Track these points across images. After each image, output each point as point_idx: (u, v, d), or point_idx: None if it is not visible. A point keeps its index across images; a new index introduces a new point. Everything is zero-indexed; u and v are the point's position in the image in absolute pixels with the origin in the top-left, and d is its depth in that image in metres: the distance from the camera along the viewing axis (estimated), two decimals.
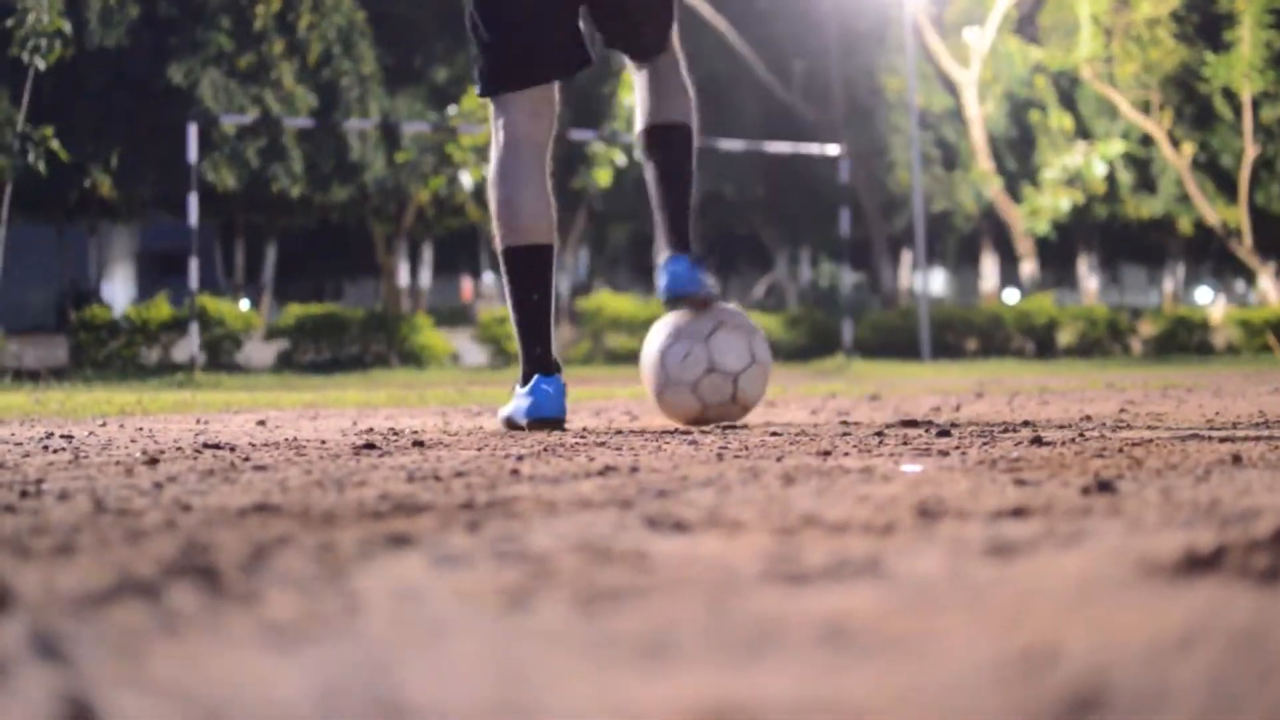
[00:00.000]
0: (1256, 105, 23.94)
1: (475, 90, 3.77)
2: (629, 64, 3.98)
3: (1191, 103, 25.25)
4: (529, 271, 3.64)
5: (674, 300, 3.71)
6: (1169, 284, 35.06)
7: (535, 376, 3.57)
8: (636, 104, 3.93)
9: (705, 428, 3.58)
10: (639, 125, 3.89)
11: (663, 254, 3.76)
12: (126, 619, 0.93)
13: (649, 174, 3.87)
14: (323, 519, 1.45)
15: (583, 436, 3.11)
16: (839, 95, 25.14)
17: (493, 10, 3.67)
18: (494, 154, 3.66)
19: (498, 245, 3.70)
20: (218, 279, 32.98)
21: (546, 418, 3.52)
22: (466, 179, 16.93)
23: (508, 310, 3.75)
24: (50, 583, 1.06)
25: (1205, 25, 24.50)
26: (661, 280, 3.72)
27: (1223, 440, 2.59)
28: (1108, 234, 31.07)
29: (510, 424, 3.63)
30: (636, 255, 38.77)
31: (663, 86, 3.88)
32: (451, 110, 16.37)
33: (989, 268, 27.33)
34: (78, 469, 2.22)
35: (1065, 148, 24.17)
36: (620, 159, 16.88)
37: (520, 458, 2.38)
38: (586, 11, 3.75)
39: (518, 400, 3.60)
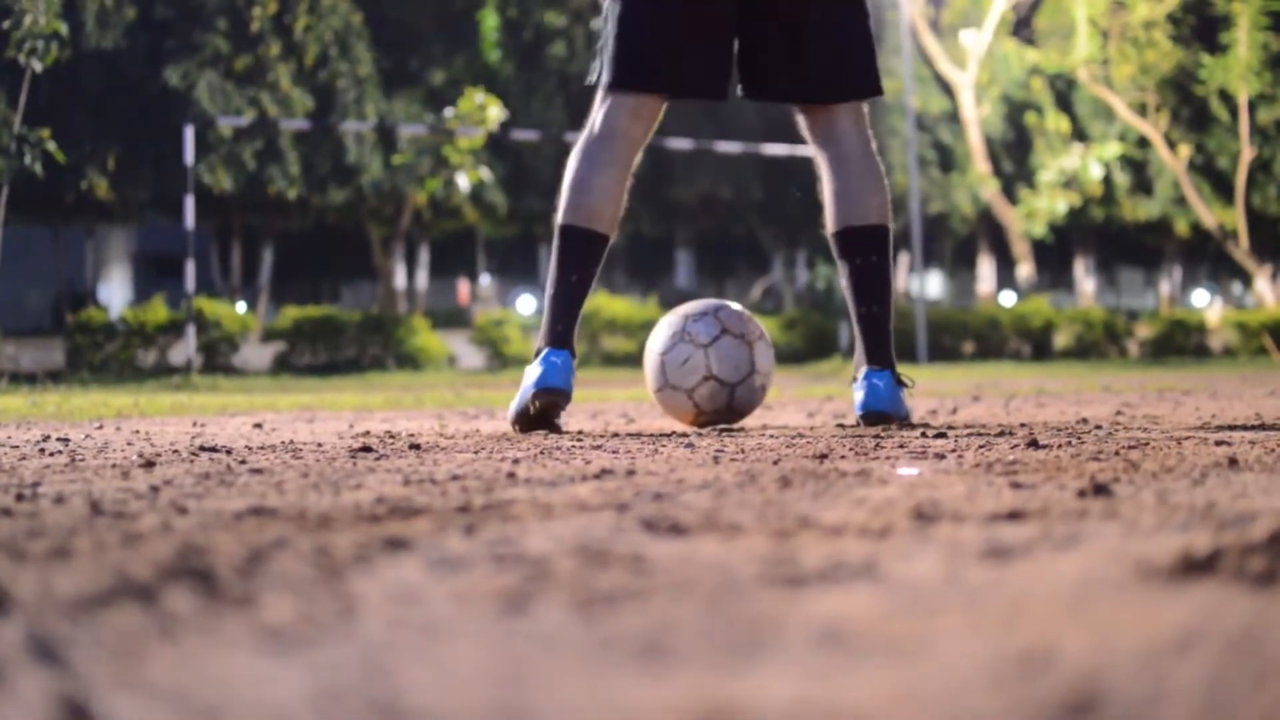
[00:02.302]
0: (1253, 107, 23.96)
1: (591, 74, 3.63)
2: (810, 140, 3.70)
3: (1188, 105, 25.28)
4: (578, 254, 3.58)
5: (870, 419, 3.54)
6: (1166, 286, 35.08)
7: (546, 349, 3.52)
8: (825, 193, 3.66)
9: (702, 430, 3.58)
10: (830, 224, 3.66)
11: (862, 368, 3.61)
12: (123, 622, 0.93)
13: (843, 279, 3.67)
14: (319, 522, 1.45)
15: (579, 439, 3.11)
16: None
17: (644, 6, 3.56)
18: (583, 137, 3.58)
19: (557, 219, 3.60)
20: (214, 281, 32.97)
21: (552, 387, 3.43)
22: (463, 181, 16.93)
23: (546, 285, 3.68)
24: (47, 586, 1.06)
25: (1201, 27, 24.53)
26: (859, 394, 3.57)
27: (1219, 443, 2.59)
28: (1104, 236, 31.10)
29: (518, 419, 3.50)
30: (633, 258, 38.79)
31: (855, 177, 3.63)
32: (448, 112, 16.36)
33: (985, 270, 27.35)
34: (74, 472, 2.22)
35: (1062, 150, 24.20)
36: None
37: (517, 461, 2.38)
38: (748, 44, 3.61)
39: (527, 375, 3.52)
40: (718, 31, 3.58)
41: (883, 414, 3.53)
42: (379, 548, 1.25)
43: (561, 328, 3.54)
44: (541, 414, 3.46)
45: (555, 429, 3.48)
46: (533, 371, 3.48)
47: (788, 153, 18.99)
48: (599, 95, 3.58)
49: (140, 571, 1.12)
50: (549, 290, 3.61)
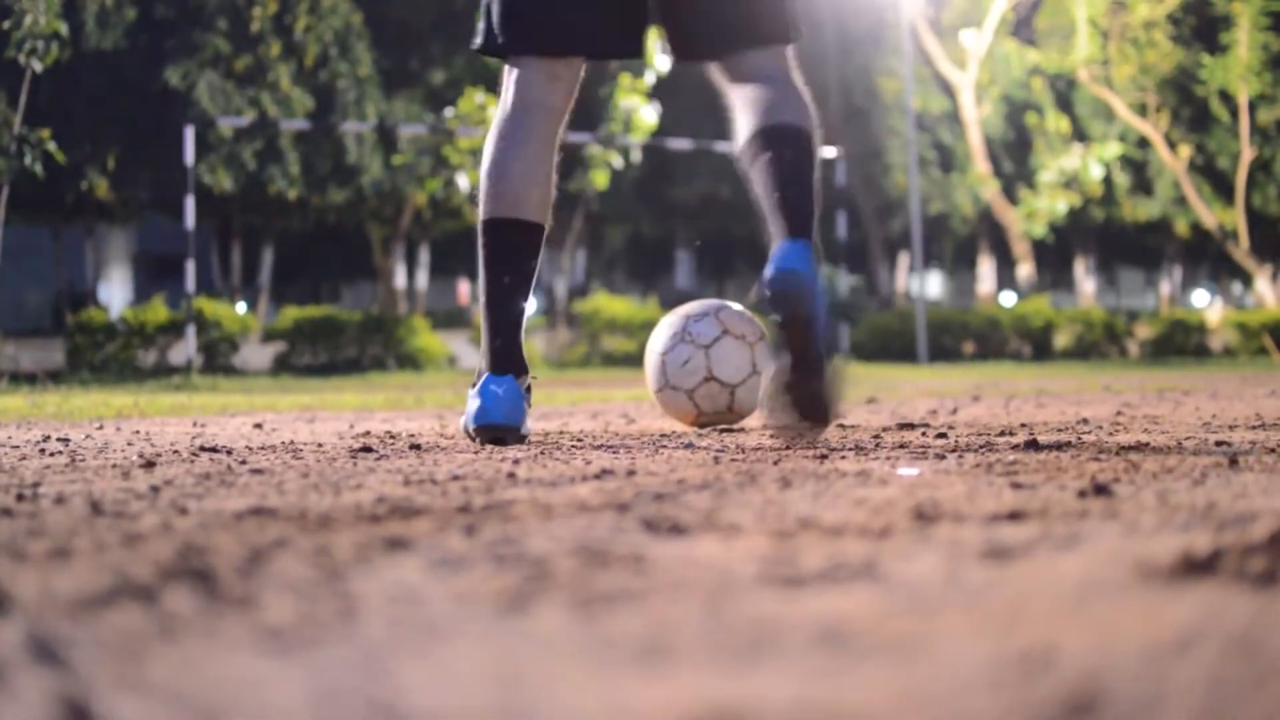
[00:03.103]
0: (1253, 107, 23.96)
1: (477, 37, 3.17)
2: (723, 79, 3.16)
3: (1188, 105, 25.29)
4: (506, 249, 3.11)
5: (778, 283, 2.76)
6: (1166, 286, 35.10)
7: (485, 375, 3.03)
8: (738, 118, 3.09)
9: (702, 430, 3.58)
10: (741, 137, 3.06)
11: (777, 240, 2.88)
12: (123, 622, 0.93)
13: (757, 177, 2.99)
14: (319, 522, 1.45)
15: (579, 440, 3.11)
16: (836, 97, 25.15)
17: None
18: (497, 117, 3.12)
19: (479, 215, 3.14)
20: (214, 281, 32.97)
21: (492, 424, 2.92)
22: (463, 181, 16.92)
23: (480, 295, 3.18)
24: (47, 586, 1.06)
25: (1202, 28, 24.54)
26: (769, 266, 2.80)
27: (1219, 443, 2.60)
28: (1105, 236, 31.11)
29: (468, 434, 3.05)
30: (633, 257, 38.79)
31: (775, 94, 3.07)
32: (448, 113, 16.36)
33: (986, 270, 27.35)
34: (74, 472, 2.22)
35: (1062, 150, 24.19)
36: (617, 161, 16.88)
37: (517, 461, 2.38)
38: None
39: (469, 403, 3.04)
40: None
41: (795, 272, 2.77)
42: (379, 548, 1.25)
43: (500, 344, 3.06)
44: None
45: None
46: (471, 404, 3.01)
47: None
48: (505, 70, 3.13)
49: (140, 572, 1.12)
50: (482, 300, 3.14)
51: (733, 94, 3.13)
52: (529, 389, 3.10)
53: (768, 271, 2.78)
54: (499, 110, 3.13)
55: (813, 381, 2.70)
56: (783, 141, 2.99)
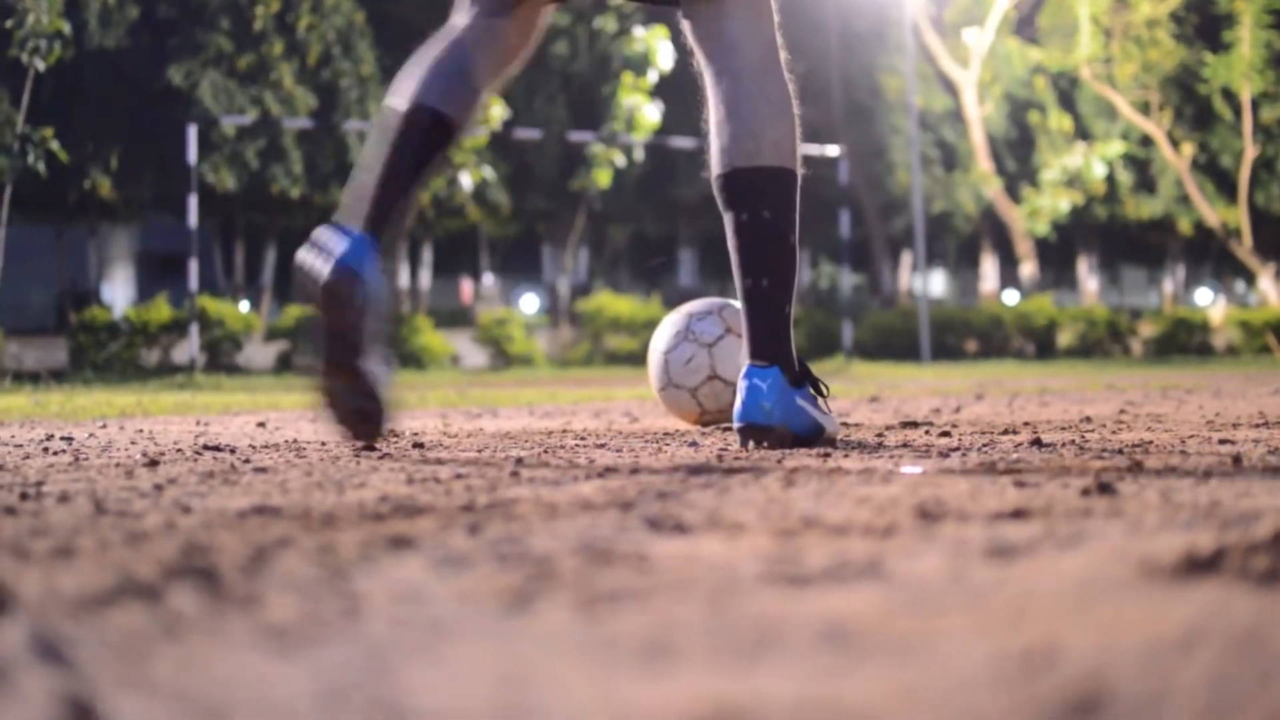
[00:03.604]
0: (1256, 106, 23.97)
1: None
2: (699, 56, 2.75)
3: (1191, 103, 25.28)
4: (394, 135, 2.61)
5: (746, 433, 2.63)
6: (1169, 285, 35.07)
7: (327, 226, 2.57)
8: (710, 124, 2.75)
9: (705, 429, 3.58)
10: (714, 165, 2.73)
11: (744, 364, 2.70)
12: (127, 621, 0.93)
13: (728, 238, 2.73)
14: (323, 521, 1.45)
15: (583, 438, 3.11)
16: (838, 96, 25.15)
17: None
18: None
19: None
20: (217, 280, 32.97)
21: (344, 266, 2.48)
22: (466, 180, 16.94)
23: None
24: (51, 585, 1.06)
25: (1204, 26, 24.53)
26: (736, 400, 2.67)
27: (1223, 442, 2.59)
28: (1107, 235, 31.08)
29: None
30: (636, 257, 38.79)
31: (746, 100, 2.69)
32: None
33: (989, 269, 27.34)
34: (78, 471, 2.22)
35: (1065, 149, 24.20)
36: (620, 160, 16.89)
37: (520, 460, 2.38)
38: None
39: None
40: None
41: (762, 428, 2.60)
42: (383, 547, 1.25)
43: (352, 198, 2.61)
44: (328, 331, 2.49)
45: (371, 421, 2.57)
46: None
47: None
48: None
49: (144, 571, 1.12)
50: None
51: (704, 65, 2.74)
52: (376, 246, 2.53)
53: (735, 413, 2.62)
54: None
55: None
56: (736, 201, 2.68)
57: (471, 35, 2.69)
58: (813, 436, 2.63)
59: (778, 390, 2.61)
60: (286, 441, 3.04)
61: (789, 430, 2.60)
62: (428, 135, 2.62)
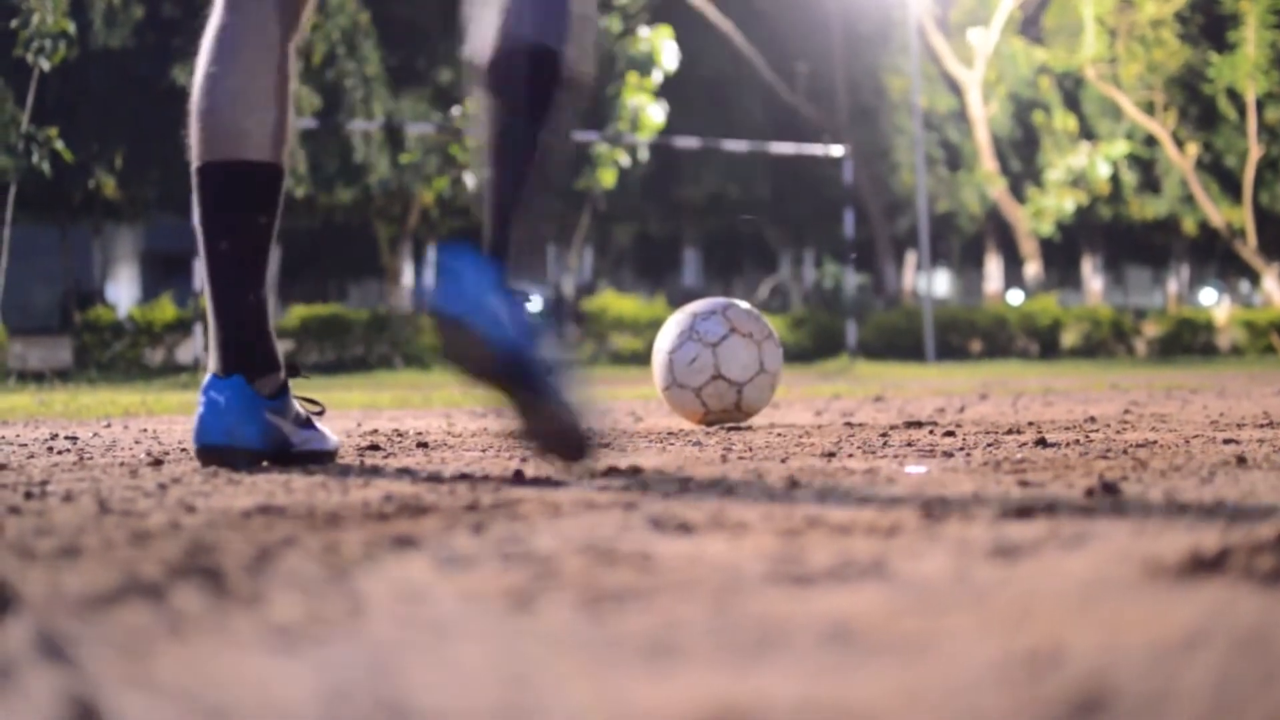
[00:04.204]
0: (1261, 106, 23.92)
1: None
2: None
3: (1196, 103, 25.24)
4: (224, 202, 2.26)
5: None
6: (1173, 285, 35.03)
7: (209, 376, 2.25)
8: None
9: (709, 429, 3.58)
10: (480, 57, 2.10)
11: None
12: (131, 620, 0.93)
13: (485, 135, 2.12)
14: (327, 520, 1.45)
15: None
16: (843, 96, 25.13)
17: None
18: (205, 36, 2.30)
19: (192, 161, 2.30)
20: None
21: (208, 445, 2.19)
22: (471, 180, 16.92)
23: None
24: (55, 584, 1.06)
25: (1209, 26, 24.49)
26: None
27: (1227, 442, 2.59)
28: (1112, 235, 31.05)
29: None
30: (641, 256, 38.79)
31: None
32: (455, 111, 16.37)
33: (993, 269, 27.31)
34: (82, 470, 2.22)
35: (1069, 148, 24.16)
36: (624, 159, 16.88)
37: (524, 459, 2.38)
38: None
39: None
40: None
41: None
42: (387, 546, 1.25)
43: (225, 334, 2.25)
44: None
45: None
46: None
47: (795, 151, 19.01)
48: None
49: (149, 570, 1.12)
50: (205, 277, 2.29)
51: None
52: (284, 389, 2.37)
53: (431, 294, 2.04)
54: (207, 28, 2.31)
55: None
56: (522, 79, 2.07)
57: (261, 33, 2.32)
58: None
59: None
60: None
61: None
62: (272, 201, 2.28)
